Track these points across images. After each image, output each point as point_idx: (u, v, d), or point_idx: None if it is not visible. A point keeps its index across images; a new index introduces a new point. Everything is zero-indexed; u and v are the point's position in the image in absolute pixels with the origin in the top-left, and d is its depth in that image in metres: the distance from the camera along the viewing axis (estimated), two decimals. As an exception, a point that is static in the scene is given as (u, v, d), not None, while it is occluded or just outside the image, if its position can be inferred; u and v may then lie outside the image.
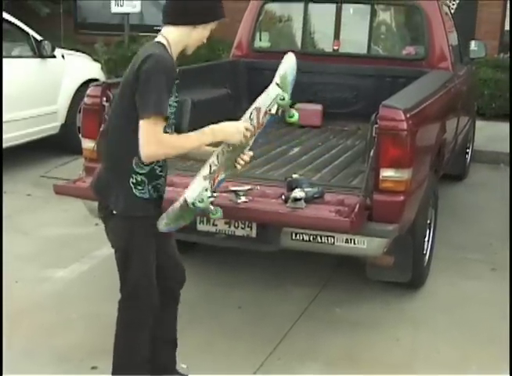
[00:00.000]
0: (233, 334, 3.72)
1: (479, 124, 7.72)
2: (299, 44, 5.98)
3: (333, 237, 3.39)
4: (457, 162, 6.34)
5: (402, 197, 3.46)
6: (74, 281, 4.38)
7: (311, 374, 2.84)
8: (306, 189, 3.45)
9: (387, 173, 3.42)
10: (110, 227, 2.76)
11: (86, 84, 4.86)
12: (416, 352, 3.57)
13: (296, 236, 3.48)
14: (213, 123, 2.78)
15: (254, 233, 3.63)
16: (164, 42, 2.62)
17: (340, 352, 3.54)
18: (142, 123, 2.50)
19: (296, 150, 4.81)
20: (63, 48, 8.17)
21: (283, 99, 2.79)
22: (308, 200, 3.41)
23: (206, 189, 2.74)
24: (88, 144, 3.97)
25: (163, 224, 2.71)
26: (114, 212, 2.69)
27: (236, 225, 3.64)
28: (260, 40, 6.06)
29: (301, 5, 5.89)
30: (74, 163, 6.39)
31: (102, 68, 8.37)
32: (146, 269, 2.74)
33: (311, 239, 3.44)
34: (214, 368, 3.34)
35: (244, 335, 3.71)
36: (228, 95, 5.36)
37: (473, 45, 6.48)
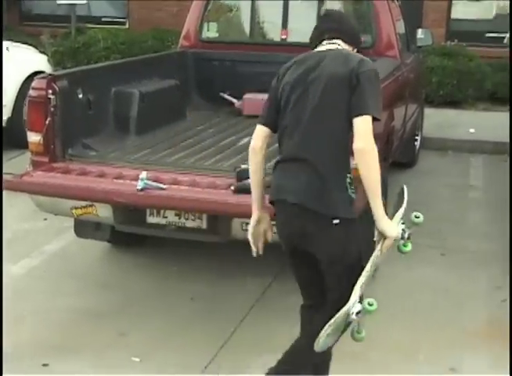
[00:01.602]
0: (185, 327, 3.71)
1: (427, 111, 7.86)
2: (247, 34, 6.00)
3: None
4: (406, 150, 6.43)
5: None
6: (25, 277, 4.33)
7: (264, 364, 2.85)
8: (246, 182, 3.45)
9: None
10: (329, 238, 2.55)
11: (33, 76, 4.76)
12: (370, 338, 3.61)
13: (247, 226, 3.47)
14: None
15: (204, 225, 3.64)
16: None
17: (294, 341, 3.56)
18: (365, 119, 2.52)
19: (246, 140, 4.72)
20: (10, 40, 8.00)
21: (419, 217, 2.66)
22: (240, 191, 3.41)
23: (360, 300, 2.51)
24: (33, 137, 3.91)
25: (325, 336, 2.46)
26: (335, 221, 2.52)
27: (187, 216, 3.65)
28: (208, 30, 6.03)
29: (248, -5, 5.89)
30: (22, 157, 6.28)
31: (49, 60, 8.24)
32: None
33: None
34: (165, 362, 3.34)
35: (196, 327, 3.70)
36: (176, 87, 5.32)
37: (420, 33, 6.57)
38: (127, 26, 11.78)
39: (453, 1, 10.29)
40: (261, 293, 4.12)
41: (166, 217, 3.66)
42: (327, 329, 2.47)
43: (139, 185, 3.48)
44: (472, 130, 8.12)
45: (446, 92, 9.29)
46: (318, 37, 2.85)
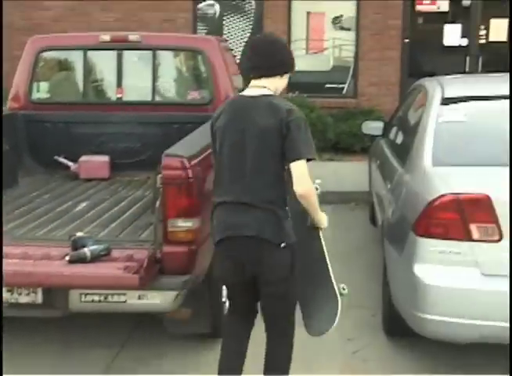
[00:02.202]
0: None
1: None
2: (81, 93, 5.95)
3: (125, 295, 3.40)
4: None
5: (192, 247, 3.54)
6: None
7: None
8: (91, 248, 3.44)
9: (174, 223, 3.50)
10: (274, 260, 3.05)
11: None
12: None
13: (85, 297, 3.43)
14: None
15: (39, 299, 3.53)
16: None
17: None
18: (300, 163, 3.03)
19: (83, 205, 4.75)
20: None
21: (345, 289, 3.34)
22: (95, 258, 3.40)
23: None
24: None
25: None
26: (283, 245, 3.03)
27: (20, 291, 3.53)
28: (38, 91, 5.93)
29: (80, 53, 5.86)
30: None
31: None
32: None
33: (101, 299, 3.42)
34: None
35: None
36: (6, 152, 5.16)
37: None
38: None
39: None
40: (106, 365, 4.01)
41: (-4, 293, 3.52)
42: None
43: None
44: (318, 181, 8.34)
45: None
46: (245, 74, 3.23)
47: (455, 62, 10.59)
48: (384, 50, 10.65)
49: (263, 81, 3.15)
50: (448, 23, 10.67)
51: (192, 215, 3.54)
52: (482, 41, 10.67)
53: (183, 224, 3.52)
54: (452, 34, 10.65)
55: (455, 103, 4.39)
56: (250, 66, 3.18)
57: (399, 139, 5.28)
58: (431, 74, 6.72)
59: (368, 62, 10.69)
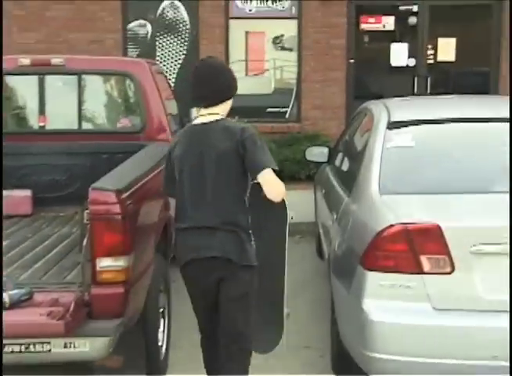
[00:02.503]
0: None
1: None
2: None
3: (49, 344, 3.33)
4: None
5: (123, 288, 3.52)
6: None
7: None
8: (11, 292, 3.37)
9: (104, 263, 3.47)
10: (237, 278, 3.47)
11: None
12: None
13: (4, 348, 3.34)
14: None
15: None
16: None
17: None
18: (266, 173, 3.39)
19: (2, 244, 4.66)
20: None
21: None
22: (15, 304, 3.33)
23: None
24: None
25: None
26: (246, 265, 3.46)
27: None
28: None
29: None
30: None
31: None
32: None
33: (23, 349, 3.34)
34: None
35: None
36: None
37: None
38: None
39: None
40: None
41: None
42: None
43: None
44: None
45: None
46: (195, 103, 3.60)
47: (403, 83, 10.87)
48: (327, 71, 10.85)
49: (213, 109, 3.53)
50: (395, 42, 10.96)
51: (123, 253, 3.52)
52: (430, 61, 10.98)
53: (113, 263, 3.49)
54: (399, 54, 10.94)
55: (402, 127, 4.47)
56: (198, 96, 3.55)
57: (345, 166, 5.36)
58: (378, 96, 6.88)
59: (311, 84, 10.87)
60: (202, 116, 3.54)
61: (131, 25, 10.93)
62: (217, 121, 3.50)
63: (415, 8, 10.85)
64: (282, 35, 10.99)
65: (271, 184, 3.38)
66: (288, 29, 10.96)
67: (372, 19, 10.92)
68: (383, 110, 4.76)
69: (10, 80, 5.83)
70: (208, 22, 10.72)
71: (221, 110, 3.56)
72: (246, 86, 10.70)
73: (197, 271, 3.50)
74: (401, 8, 10.91)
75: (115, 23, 10.75)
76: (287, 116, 11.07)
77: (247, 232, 3.48)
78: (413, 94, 10.72)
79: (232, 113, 3.68)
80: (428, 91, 10.88)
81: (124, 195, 3.64)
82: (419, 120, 4.55)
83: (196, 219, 3.45)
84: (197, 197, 3.44)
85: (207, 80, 3.51)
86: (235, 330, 3.53)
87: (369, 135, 4.62)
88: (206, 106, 3.53)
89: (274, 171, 3.37)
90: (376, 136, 4.45)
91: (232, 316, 3.52)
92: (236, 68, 10.72)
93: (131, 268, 3.58)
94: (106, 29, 10.65)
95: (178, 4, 10.90)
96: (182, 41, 10.99)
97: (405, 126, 4.49)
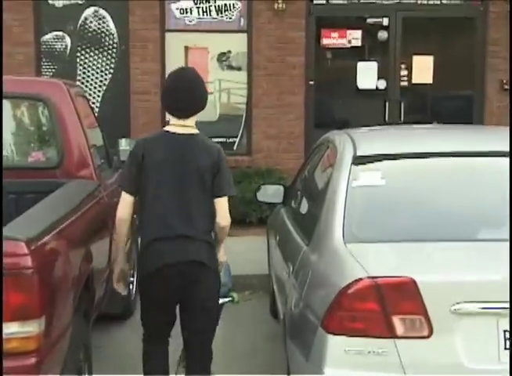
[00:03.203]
0: None
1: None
2: None
3: None
4: (116, 296, 6.48)
5: (34, 359, 3.46)
6: None
7: None
8: None
9: (10, 329, 3.40)
10: (209, 280, 4.55)
11: None
12: None
13: None
14: None
15: None
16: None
17: None
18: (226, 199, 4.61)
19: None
20: None
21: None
22: None
23: None
24: None
25: None
26: (213, 269, 4.58)
27: None
28: None
29: None
30: None
31: None
32: None
33: None
34: None
35: None
36: None
37: (123, 143, 6.87)
38: None
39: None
40: None
41: None
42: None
43: None
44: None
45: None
46: (169, 112, 4.62)
47: (372, 109, 11.09)
48: (283, 94, 11.02)
49: (188, 121, 4.54)
50: (363, 60, 11.20)
51: (33, 317, 3.45)
52: (404, 84, 11.20)
53: (21, 329, 3.43)
54: (368, 75, 11.15)
55: (370, 162, 4.54)
56: (178, 107, 4.55)
57: (304, 208, 5.40)
58: (343, 125, 6.98)
59: (264, 109, 11.00)
60: (178, 126, 4.54)
61: (46, 37, 10.92)
62: (195, 134, 4.56)
63: (385, 21, 11.12)
64: (229, 51, 11.13)
65: (225, 211, 4.58)
66: (236, 44, 11.13)
67: (335, 34, 11.13)
68: (348, 142, 4.82)
69: None
70: (140, 35, 10.81)
71: (193, 122, 4.58)
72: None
73: (171, 275, 4.43)
74: (369, 21, 11.18)
75: (26, 34, 10.71)
76: (235, 147, 11.14)
77: (212, 240, 4.60)
78: (384, 122, 10.94)
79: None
80: (402, 118, 11.10)
81: (37, 245, 3.60)
82: (390, 154, 4.62)
83: (171, 228, 4.42)
84: (174, 206, 4.43)
85: (187, 90, 4.53)
86: (204, 330, 4.63)
87: (332, 171, 4.66)
88: (184, 117, 4.54)
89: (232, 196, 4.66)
90: (340, 173, 4.50)
91: (202, 315, 4.57)
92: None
93: (43, 334, 3.51)
94: (15, 42, 10.57)
95: (104, 13, 10.94)
96: (109, 57, 11.03)
97: (374, 161, 4.55)
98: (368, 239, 4.03)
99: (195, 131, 4.56)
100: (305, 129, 11.10)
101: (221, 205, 4.55)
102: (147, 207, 4.47)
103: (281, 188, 6.40)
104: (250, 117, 11.11)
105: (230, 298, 5.22)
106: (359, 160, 4.54)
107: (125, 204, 4.53)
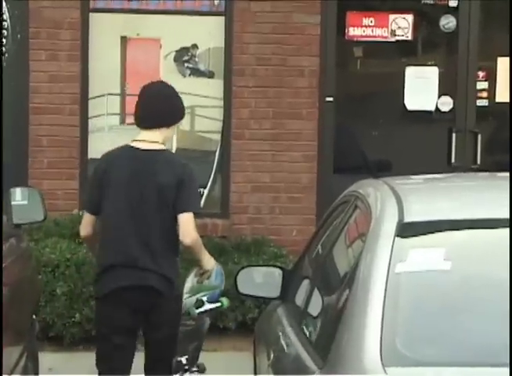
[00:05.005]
0: None
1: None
2: None
3: None
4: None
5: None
6: None
7: None
8: None
9: None
10: (166, 311, 6.60)
11: None
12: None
13: None
14: None
15: None
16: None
17: None
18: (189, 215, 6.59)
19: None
20: None
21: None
22: None
23: None
24: None
25: None
26: (174, 296, 6.65)
27: None
28: None
29: None
30: None
31: None
32: None
33: None
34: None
35: None
36: None
37: (18, 196, 7.01)
38: None
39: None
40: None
41: None
42: None
43: None
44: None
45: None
46: (137, 124, 6.82)
47: (429, 143, 11.13)
48: (283, 118, 11.11)
49: (152, 135, 6.62)
50: (414, 64, 11.34)
51: None
52: (483, 103, 11.27)
53: None
54: (423, 88, 11.21)
55: (426, 233, 4.54)
56: (138, 116, 6.75)
57: (316, 308, 5.36)
58: (380, 170, 6.92)
59: (251, 142, 11.06)
60: (142, 141, 6.63)
61: None
62: (159, 150, 6.63)
63: (453, 1, 11.20)
64: (194, 47, 11.20)
65: (188, 228, 6.49)
66: (207, 35, 11.27)
67: (369, 20, 11.21)
68: (389, 200, 4.82)
69: None
70: (48, 17, 10.86)
71: (161, 138, 6.67)
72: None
73: (130, 298, 6.50)
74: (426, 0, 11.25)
75: None
76: (202, 204, 11.12)
77: (176, 264, 6.81)
78: (449, 166, 10.99)
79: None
80: (478, 160, 11.13)
81: None
82: (459, 221, 4.62)
83: (130, 256, 6.50)
84: (134, 230, 6.48)
85: (152, 100, 6.76)
86: (166, 356, 6.76)
87: (363, 247, 4.63)
88: (144, 128, 6.68)
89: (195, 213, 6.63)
90: (376, 250, 4.47)
91: (159, 341, 6.75)
92: (100, 110, 10.88)
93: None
94: None
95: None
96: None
97: (432, 232, 4.56)
98: (424, 361, 4.01)
99: (160, 147, 6.65)
100: (319, 176, 11.13)
101: (183, 222, 6.46)
102: (104, 228, 6.64)
103: (277, 273, 6.37)
104: (227, 155, 11.15)
105: (219, 304, 7.03)
106: (408, 230, 4.54)
107: (85, 223, 6.78)
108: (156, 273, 6.50)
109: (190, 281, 7.14)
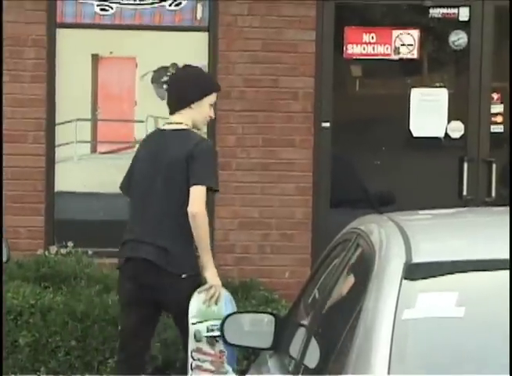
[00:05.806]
0: None
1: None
2: None
3: None
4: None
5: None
6: None
7: None
8: None
9: None
10: (176, 291, 7.65)
11: None
12: None
13: None
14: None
15: None
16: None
17: None
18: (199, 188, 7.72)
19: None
20: None
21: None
22: None
23: None
24: None
25: None
26: (184, 276, 7.67)
27: None
28: None
29: None
30: None
31: None
32: None
33: None
34: None
35: None
36: None
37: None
38: None
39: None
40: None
41: None
42: None
43: None
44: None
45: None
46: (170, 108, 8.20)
47: (437, 174, 11.14)
48: (274, 146, 11.16)
49: (176, 117, 7.84)
50: (421, 85, 11.37)
51: None
52: (498, 129, 11.28)
53: None
54: (430, 112, 11.22)
55: (436, 275, 4.57)
56: (166, 104, 8.09)
57: (312, 361, 5.38)
58: (384, 204, 6.92)
59: (237, 174, 11.09)
60: (168, 124, 7.94)
61: None
62: (179, 130, 7.74)
63: (464, 12, 11.22)
64: (173, 66, 11.18)
65: (196, 198, 7.43)
66: (188, 53, 11.33)
67: (370, 36, 11.26)
68: (395, 238, 4.82)
69: None
70: (11, 32, 10.87)
71: (184, 119, 7.79)
72: (94, 178, 10.83)
73: (134, 270, 7.73)
74: (433, 12, 11.29)
75: None
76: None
77: (190, 242, 7.71)
78: (460, 200, 11.04)
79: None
80: (493, 193, 11.18)
81: None
82: (472, 261, 4.64)
83: (138, 234, 7.68)
84: (142, 209, 7.71)
85: (168, 89, 8.37)
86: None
87: (367, 290, 4.66)
88: (170, 113, 7.89)
89: (212, 190, 7.76)
90: (380, 294, 4.50)
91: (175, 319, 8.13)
92: (68, 138, 10.89)
93: None
94: None
95: None
96: None
97: (443, 274, 4.58)
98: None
99: (181, 126, 7.77)
100: (314, 210, 11.18)
101: (192, 194, 7.44)
102: (128, 205, 8.11)
103: (269, 320, 6.38)
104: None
105: None
106: (417, 272, 4.55)
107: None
108: (153, 245, 7.56)
109: (196, 300, 7.75)
